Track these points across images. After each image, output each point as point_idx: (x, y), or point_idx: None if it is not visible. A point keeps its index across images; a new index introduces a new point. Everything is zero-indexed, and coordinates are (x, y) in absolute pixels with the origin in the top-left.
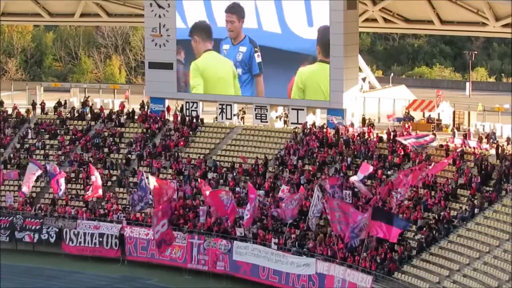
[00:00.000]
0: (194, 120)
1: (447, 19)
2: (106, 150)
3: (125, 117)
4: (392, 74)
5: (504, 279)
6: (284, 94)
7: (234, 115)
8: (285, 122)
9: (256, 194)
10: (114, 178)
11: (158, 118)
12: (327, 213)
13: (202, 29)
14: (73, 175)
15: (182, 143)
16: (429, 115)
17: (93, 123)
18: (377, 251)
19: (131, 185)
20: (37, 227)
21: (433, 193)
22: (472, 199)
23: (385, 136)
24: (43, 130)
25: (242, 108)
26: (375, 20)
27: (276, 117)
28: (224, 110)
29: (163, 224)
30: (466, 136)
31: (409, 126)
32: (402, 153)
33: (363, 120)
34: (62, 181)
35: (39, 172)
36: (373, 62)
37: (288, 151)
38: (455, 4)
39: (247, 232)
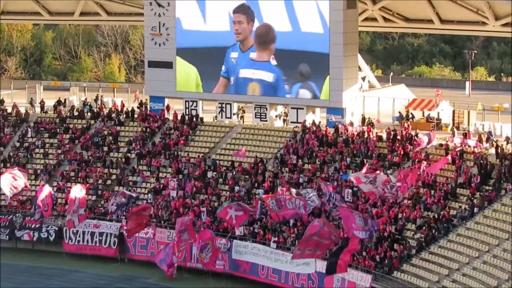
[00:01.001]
0: (194, 119)
1: (447, 18)
2: (105, 148)
3: (124, 116)
4: (391, 73)
5: (504, 278)
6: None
7: (234, 114)
8: (284, 121)
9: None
10: (114, 177)
11: (158, 117)
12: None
13: None
14: (72, 174)
15: (181, 142)
16: (429, 114)
17: (92, 121)
18: (376, 250)
19: (130, 184)
20: (37, 226)
21: (432, 192)
22: (472, 199)
23: (384, 136)
24: (42, 128)
25: (242, 107)
26: (374, 19)
27: (276, 116)
28: (224, 109)
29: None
30: (465, 135)
31: (408, 125)
32: (402, 152)
33: (363, 119)
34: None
35: (22, 181)
36: (372, 61)
37: (287, 150)
38: (455, 3)
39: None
